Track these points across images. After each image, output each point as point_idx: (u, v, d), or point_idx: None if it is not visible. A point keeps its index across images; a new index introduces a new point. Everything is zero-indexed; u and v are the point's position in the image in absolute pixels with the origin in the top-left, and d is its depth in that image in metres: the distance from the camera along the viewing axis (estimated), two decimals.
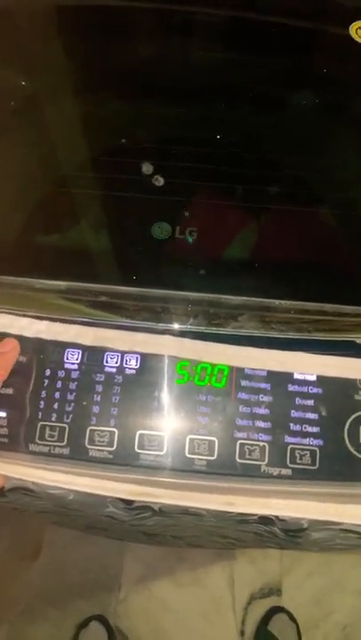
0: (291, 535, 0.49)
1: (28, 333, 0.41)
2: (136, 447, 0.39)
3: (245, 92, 0.54)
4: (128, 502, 0.42)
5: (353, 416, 0.40)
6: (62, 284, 0.42)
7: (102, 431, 0.40)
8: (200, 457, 0.39)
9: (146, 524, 0.57)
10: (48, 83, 0.57)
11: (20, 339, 0.41)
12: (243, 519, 0.45)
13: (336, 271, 0.46)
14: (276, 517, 0.42)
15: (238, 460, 0.39)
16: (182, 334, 0.42)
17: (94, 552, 1.20)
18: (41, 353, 0.41)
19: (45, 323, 0.41)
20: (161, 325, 0.42)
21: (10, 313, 0.42)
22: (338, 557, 1.22)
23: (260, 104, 0.54)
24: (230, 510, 0.40)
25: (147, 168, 0.48)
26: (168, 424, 0.40)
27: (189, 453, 0.39)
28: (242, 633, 1.16)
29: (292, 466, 0.39)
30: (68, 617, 1.14)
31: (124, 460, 0.39)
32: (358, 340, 0.42)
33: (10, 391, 0.40)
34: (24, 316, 0.42)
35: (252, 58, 0.57)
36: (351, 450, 0.39)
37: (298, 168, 0.51)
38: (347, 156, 0.52)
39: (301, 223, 0.48)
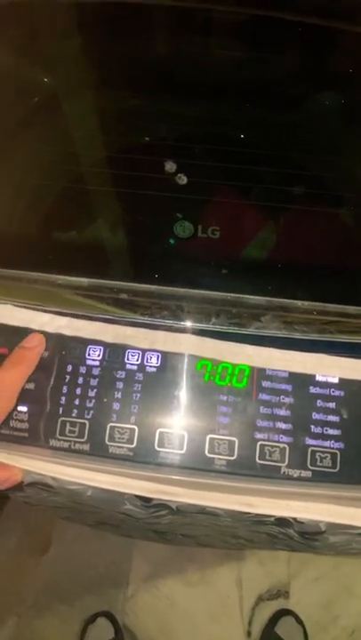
0: (307, 538, 0.49)
1: (50, 329, 0.41)
2: (156, 445, 0.39)
3: (269, 91, 0.54)
4: (146, 500, 0.42)
5: None
6: (84, 280, 0.42)
7: (122, 428, 0.40)
8: (220, 457, 0.39)
9: (161, 523, 0.57)
10: (71, 80, 0.57)
11: (42, 334, 0.41)
12: (259, 520, 0.45)
13: (360, 273, 0.45)
14: (295, 519, 0.42)
15: (258, 460, 0.39)
16: (204, 333, 0.42)
17: (103, 548, 1.21)
18: (63, 349, 0.41)
19: (67, 319, 0.42)
20: (182, 324, 0.42)
21: (32, 308, 0.42)
22: (347, 561, 1.22)
23: (283, 103, 0.54)
24: (249, 511, 0.39)
25: (170, 166, 0.48)
26: (188, 423, 0.40)
27: (209, 453, 0.39)
28: (248, 634, 1.15)
29: (312, 468, 0.39)
30: (75, 612, 1.15)
31: (144, 457, 0.39)
32: None
33: (31, 386, 0.40)
34: (45, 311, 0.42)
35: (276, 57, 0.57)
36: None
37: (321, 168, 0.51)
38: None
39: (325, 224, 0.48)
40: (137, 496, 0.42)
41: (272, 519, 0.44)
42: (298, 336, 0.41)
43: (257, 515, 0.42)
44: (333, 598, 1.19)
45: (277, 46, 0.57)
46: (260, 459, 0.39)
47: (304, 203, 0.48)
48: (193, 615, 1.17)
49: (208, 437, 0.40)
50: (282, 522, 0.44)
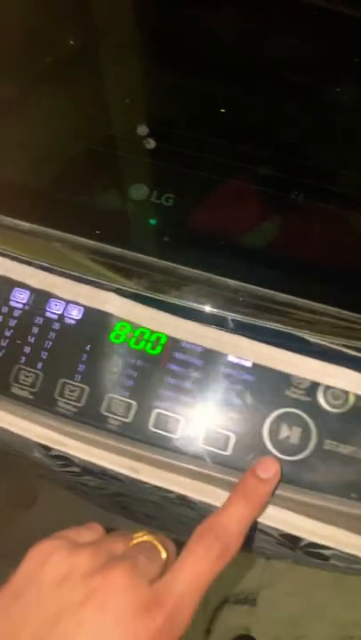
0: None
1: None
2: (56, 394, 0.40)
3: (258, 70, 0.52)
4: (47, 448, 0.43)
5: (278, 411, 0.38)
6: (26, 225, 0.43)
7: (28, 371, 0.40)
8: (115, 417, 0.39)
9: (88, 484, 0.57)
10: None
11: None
12: (164, 495, 0.44)
13: (294, 263, 0.44)
14: (184, 498, 0.41)
15: (152, 428, 0.38)
16: (128, 295, 0.41)
17: (89, 506, 1.22)
18: None
19: (0, 258, 0.43)
20: (109, 284, 0.42)
21: None
22: (324, 585, 1.17)
23: (273, 84, 0.52)
24: (132, 476, 0.39)
25: (142, 130, 0.48)
26: (92, 378, 0.40)
27: (105, 411, 0.39)
28: (208, 631, 1.14)
29: (204, 446, 0.38)
30: None
31: (43, 403, 0.40)
32: (306, 337, 0.40)
33: None
34: None
35: (281, 39, 0.55)
36: (267, 445, 0.37)
37: (288, 152, 0.49)
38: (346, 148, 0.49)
39: (262, 203, 0.46)
40: (38, 443, 0.42)
41: (174, 495, 0.43)
42: (218, 313, 0.40)
43: (158, 488, 0.41)
44: (302, 618, 1.15)
45: (285, 28, 0.55)
46: (153, 426, 0.38)
47: (260, 182, 0.47)
48: None
49: (107, 396, 0.39)
50: (184, 500, 0.43)
